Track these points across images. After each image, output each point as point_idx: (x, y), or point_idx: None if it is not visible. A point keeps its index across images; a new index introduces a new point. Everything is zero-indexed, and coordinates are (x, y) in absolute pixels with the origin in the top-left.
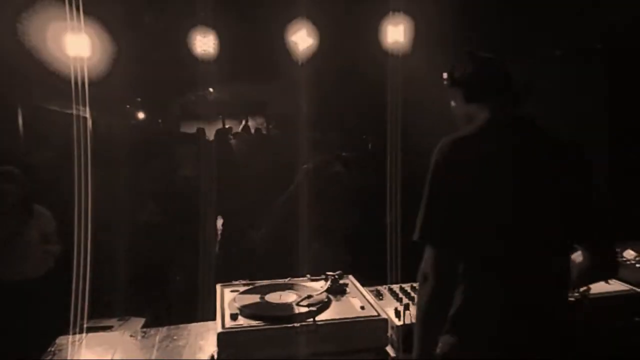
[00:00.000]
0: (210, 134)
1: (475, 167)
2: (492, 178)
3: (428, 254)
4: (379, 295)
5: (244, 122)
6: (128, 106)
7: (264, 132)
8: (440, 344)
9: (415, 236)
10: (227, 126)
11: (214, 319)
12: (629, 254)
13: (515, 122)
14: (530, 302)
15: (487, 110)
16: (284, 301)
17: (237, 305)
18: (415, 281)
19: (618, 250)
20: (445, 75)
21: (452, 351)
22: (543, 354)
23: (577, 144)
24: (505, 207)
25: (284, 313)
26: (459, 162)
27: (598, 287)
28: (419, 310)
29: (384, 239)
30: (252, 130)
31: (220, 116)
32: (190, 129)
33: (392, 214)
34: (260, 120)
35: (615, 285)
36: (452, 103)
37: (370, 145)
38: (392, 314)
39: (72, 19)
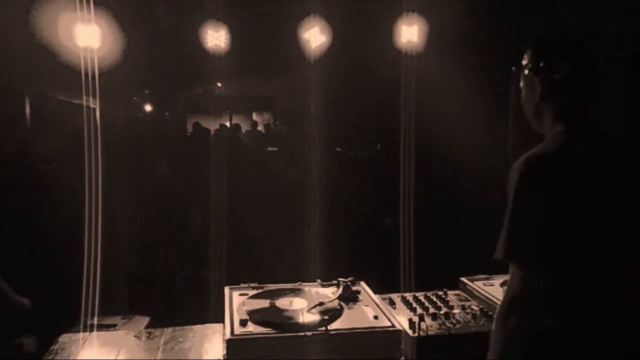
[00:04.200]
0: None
1: (561, 186)
2: (578, 196)
3: (514, 273)
4: (391, 303)
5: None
6: (135, 98)
7: (271, 127)
8: None
9: (499, 255)
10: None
11: (219, 320)
12: None
13: (593, 133)
14: (621, 319)
15: (567, 117)
16: (294, 308)
17: (247, 309)
18: (426, 290)
19: None
20: (526, 57)
21: None
22: None
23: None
24: (595, 225)
25: (295, 320)
26: (544, 180)
27: None
28: (502, 327)
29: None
30: (260, 127)
31: (228, 111)
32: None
33: (405, 216)
34: (267, 115)
35: None
36: (524, 93)
37: (378, 146)
38: (405, 325)
39: (82, 9)
